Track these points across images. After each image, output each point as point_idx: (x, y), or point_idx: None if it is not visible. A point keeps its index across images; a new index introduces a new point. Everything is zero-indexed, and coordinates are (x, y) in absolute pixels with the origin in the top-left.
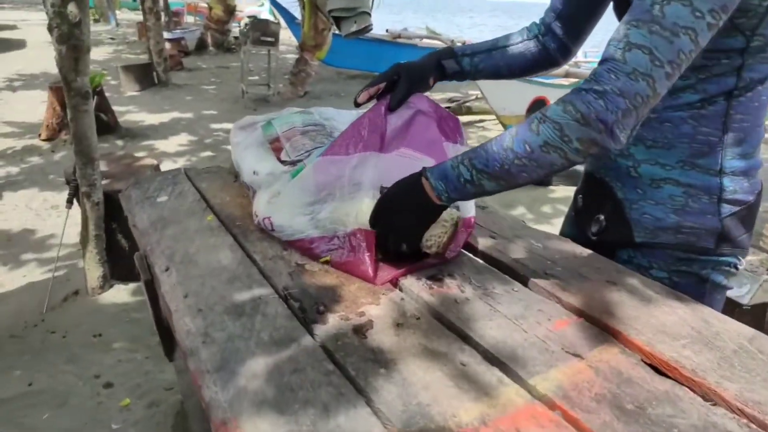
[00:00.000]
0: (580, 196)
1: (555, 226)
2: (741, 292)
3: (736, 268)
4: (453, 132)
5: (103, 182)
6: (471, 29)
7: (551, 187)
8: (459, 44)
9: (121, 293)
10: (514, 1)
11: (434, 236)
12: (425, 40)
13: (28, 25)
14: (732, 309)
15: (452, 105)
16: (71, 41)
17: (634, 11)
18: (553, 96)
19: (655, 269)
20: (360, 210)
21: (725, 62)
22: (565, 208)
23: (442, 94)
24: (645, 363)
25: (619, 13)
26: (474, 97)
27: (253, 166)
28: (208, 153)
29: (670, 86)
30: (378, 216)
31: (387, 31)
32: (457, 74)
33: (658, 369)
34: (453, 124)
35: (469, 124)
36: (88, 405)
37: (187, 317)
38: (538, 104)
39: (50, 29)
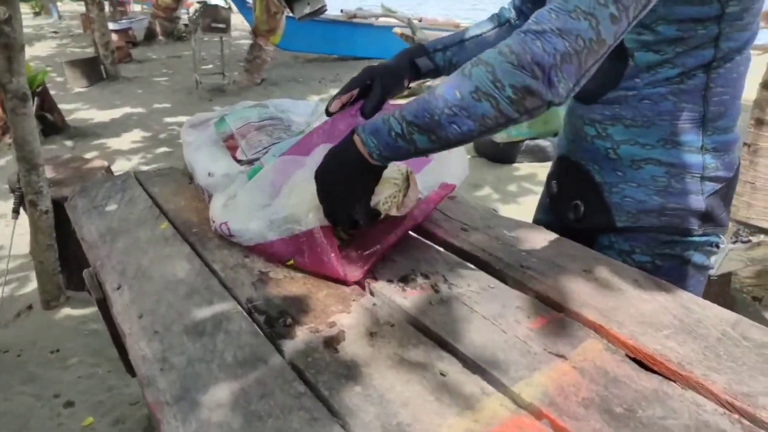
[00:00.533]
0: (554, 181)
1: (522, 205)
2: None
3: (717, 247)
4: None
5: (51, 188)
6: (422, 5)
7: (515, 165)
8: (416, 21)
9: (77, 304)
10: None
11: (389, 198)
12: (381, 19)
13: None
14: None
15: (413, 86)
16: (1, 39)
17: None
18: None
19: (637, 253)
20: (312, 203)
21: (702, 32)
22: (531, 186)
23: None
24: (630, 358)
25: None
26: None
27: (208, 167)
28: (164, 149)
29: (618, 35)
30: (319, 191)
31: (342, 11)
32: (432, 72)
33: (644, 363)
34: None
35: None
36: (48, 426)
37: (142, 341)
38: None
39: None
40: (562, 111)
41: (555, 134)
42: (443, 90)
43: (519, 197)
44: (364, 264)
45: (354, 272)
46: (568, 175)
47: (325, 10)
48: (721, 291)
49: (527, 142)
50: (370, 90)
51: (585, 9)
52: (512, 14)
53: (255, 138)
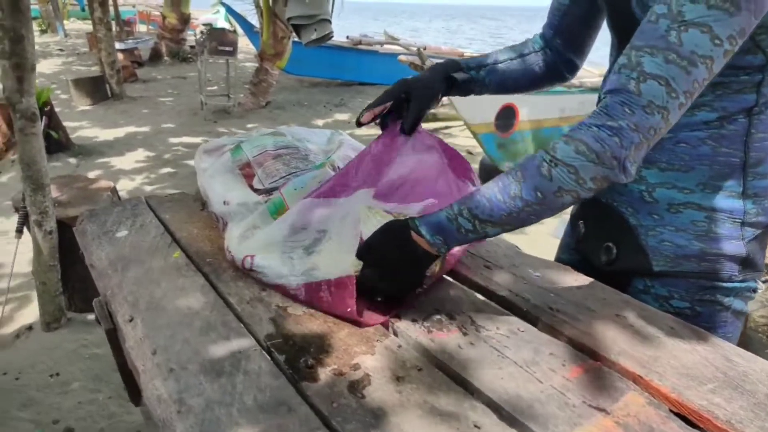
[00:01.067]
0: (581, 221)
1: (528, 235)
2: None
3: (754, 292)
4: (466, 172)
5: (56, 208)
6: (419, 32)
7: None
8: (422, 49)
9: (79, 326)
10: (455, 5)
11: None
12: (386, 46)
13: None
14: None
15: (436, 111)
16: (13, 59)
17: (646, 35)
18: (520, 103)
19: (675, 299)
20: (344, 258)
21: (744, 78)
22: None
23: None
24: (673, 413)
25: (616, 26)
26: (440, 103)
27: (223, 195)
28: (168, 169)
29: (681, 114)
30: (373, 281)
31: (347, 37)
32: (466, 86)
33: (689, 419)
34: (463, 166)
35: (435, 131)
36: None
37: (157, 379)
38: (507, 111)
39: None
40: None
41: None
42: (518, 191)
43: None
44: (388, 311)
45: (375, 318)
46: (597, 216)
47: (332, 36)
48: None
49: None
50: (404, 104)
51: (659, 104)
52: (539, 44)
53: (272, 167)
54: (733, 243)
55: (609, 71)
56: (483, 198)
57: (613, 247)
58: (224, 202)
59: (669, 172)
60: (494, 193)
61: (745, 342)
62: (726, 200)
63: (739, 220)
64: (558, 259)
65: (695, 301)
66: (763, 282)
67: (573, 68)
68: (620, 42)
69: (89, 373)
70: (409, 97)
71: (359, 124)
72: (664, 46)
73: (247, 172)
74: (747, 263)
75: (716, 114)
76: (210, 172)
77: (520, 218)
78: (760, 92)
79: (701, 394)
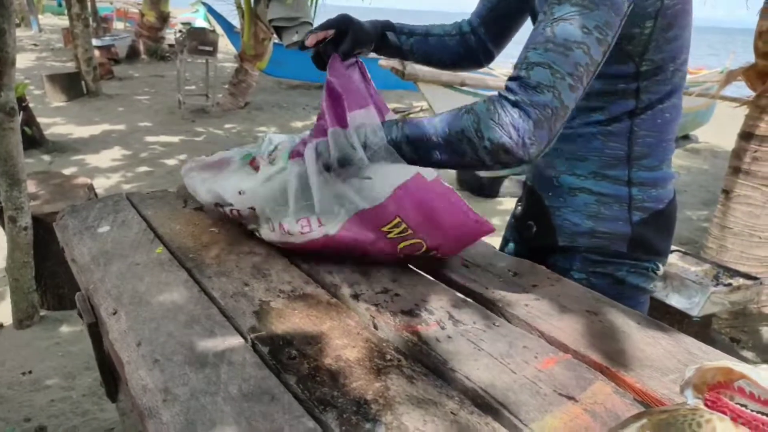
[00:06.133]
0: (519, 203)
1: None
2: (690, 304)
3: (656, 273)
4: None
5: (31, 204)
6: None
7: (498, 199)
8: None
9: (52, 324)
10: (435, 11)
11: None
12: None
13: None
14: (681, 320)
15: (396, 116)
16: None
17: (531, 38)
18: None
19: (575, 271)
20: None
21: (623, 86)
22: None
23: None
24: (638, 401)
25: None
26: (419, 108)
27: (239, 186)
28: (145, 168)
29: (578, 99)
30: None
31: None
32: (394, 49)
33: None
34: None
35: None
36: None
37: (142, 370)
38: None
39: None
40: None
41: None
42: (438, 121)
43: (502, 231)
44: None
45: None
46: (527, 198)
47: None
48: (701, 332)
49: (510, 177)
50: (343, 37)
51: (546, 83)
52: (469, 29)
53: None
54: (620, 224)
55: None
56: (415, 121)
57: (533, 224)
58: (239, 192)
59: (570, 161)
60: (423, 120)
61: (710, 344)
62: (613, 186)
63: (626, 205)
64: (504, 237)
65: (589, 273)
66: (725, 285)
67: (489, 57)
68: None
69: (62, 371)
70: (348, 32)
71: (303, 48)
72: (543, 40)
73: (255, 164)
74: (636, 243)
75: (605, 115)
76: (224, 175)
77: (427, 147)
78: (639, 98)
79: (664, 384)
